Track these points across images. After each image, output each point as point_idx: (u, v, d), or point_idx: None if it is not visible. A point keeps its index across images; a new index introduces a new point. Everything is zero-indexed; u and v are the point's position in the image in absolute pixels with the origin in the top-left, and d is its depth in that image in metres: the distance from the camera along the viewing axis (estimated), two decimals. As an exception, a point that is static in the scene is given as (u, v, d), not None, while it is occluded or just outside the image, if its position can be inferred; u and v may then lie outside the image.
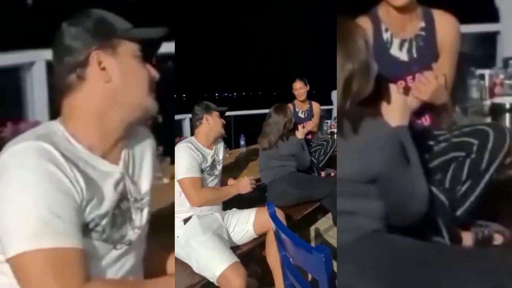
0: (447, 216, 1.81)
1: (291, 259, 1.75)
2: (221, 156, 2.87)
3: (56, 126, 1.06)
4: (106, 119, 1.08)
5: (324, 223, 4.22)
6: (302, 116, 4.97)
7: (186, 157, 2.47)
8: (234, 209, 2.80)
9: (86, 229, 1.00)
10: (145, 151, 1.28)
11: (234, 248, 2.57)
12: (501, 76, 2.90)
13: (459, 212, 1.84)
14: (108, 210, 1.07)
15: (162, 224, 1.58)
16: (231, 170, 4.11)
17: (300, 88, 4.83)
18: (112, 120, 1.09)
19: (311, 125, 4.77)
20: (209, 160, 2.68)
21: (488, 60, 3.63)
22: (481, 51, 3.84)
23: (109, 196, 1.08)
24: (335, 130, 6.55)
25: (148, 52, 1.15)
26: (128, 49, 1.10)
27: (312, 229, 4.17)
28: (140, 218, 1.21)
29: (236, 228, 2.64)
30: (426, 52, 2.05)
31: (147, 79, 1.14)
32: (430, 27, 2.04)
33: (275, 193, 3.47)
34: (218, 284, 2.18)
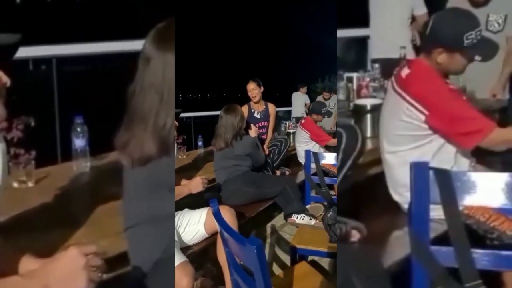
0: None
1: (234, 255, 1.80)
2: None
3: None
4: None
5: (280, 219, 4.34)
6: (258, 116, 5.06)
7: None
8: (185, 210, 2.80)
9: None
10: None
11: (186, 248, 2.58)
12: (367, 79, 3.09)
13: None
14: None
15: (30, 226, 1.70)
16: (188, 171, 4.14)
17: (253, 89, 4.90)
18: None
19: (270, 137, 5.04)
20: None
21: (360, 64, 3.89)
22: (354, 55, 4.03)
23: None
24: (292, 131, 6.74)
25: (1, 58, 1.13)
26: None
27: (268, 226, 4.31)
28: None
29: (187, 228, 2.64)
30: None
31: None
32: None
33: (229, 192, 3.55)
34: None
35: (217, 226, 2.57)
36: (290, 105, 9.76)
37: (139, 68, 1.53)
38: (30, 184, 2.17)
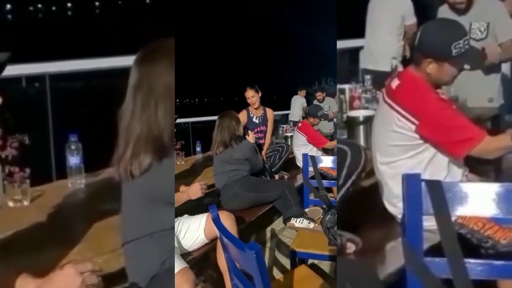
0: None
1: (234, 260, 1.80)
2: None
3: None
4: None
5: (279, 223, 4.33)
6: (257, 121, 5.11)
7: None
8: (185, 216, 2.80)
9: None
10: None
11: (186, 254, 2.58)
12: (359, 90, 3.10)
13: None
14: None
15: (26, 245, 1.70)
16: (186, 177, 4.16)
17: (252, 96, 4.96)
18: None
19: (268, 141, 5.08)
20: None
21: (352, 75, 3.91)
22: (346, 66, 4.10)
23: None
24: (289, 134, 6.76)
25: None
26: None
27: (268, 230, 4.31)
28: None
29: (187, 234, 2.65)
30: None
31: None
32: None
33: (228, 197, 3.57)
34: None
35: (216, 232, 2.60)
36: (287, 108, 9.83)
37: (129, 84, 1.58)
38: (25, 203, 2.15)
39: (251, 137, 4.05)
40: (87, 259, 1.46)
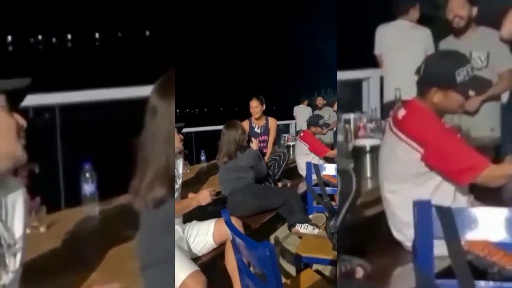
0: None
1: (245, 261, 1.91)
2: (180, 171, 2.92)
3: None
4: None
5: (283, 231, 4.42)
6: (258, 131, 5.24)
7: None
8: (194, 221, 2.87)
9: None
10: (17, 199, 1.31)
11: (195, 259, 2.65)
12: (364, 120, 3.17)
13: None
14: None
15: (44, 272, 1.73)
16: (192, 185, 4.25)
17: (255, 107, 5.10)
18: None
19: (270, 150, 5.19)
20: (181, 167, 2.77)
21: (357, 105, 3.99)
22: (350, 97, 4.18)
23: None
24: (291, 143, 6.86)
25: (14, 102, 1.19)
26: None
27: (272, 237, 4.36)
28: (14, 262, 1.26)
29: (196, 239, 2.72)
30: None
31: (15, 128, 1.16)
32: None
33: (233, 204, 3.64)
34: None
35: (224, 237, 2.65)
36: (288, 118, 10.00)
37: (147, 119, 1.63)
38: (42, 230, 2.19)
39: (254, 144, 4.15)
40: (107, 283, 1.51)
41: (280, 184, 4.81)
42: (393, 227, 2.04)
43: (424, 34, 3.29)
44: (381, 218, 2.10)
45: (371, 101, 4.14)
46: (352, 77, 4.29)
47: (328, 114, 8.45)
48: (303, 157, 5.41)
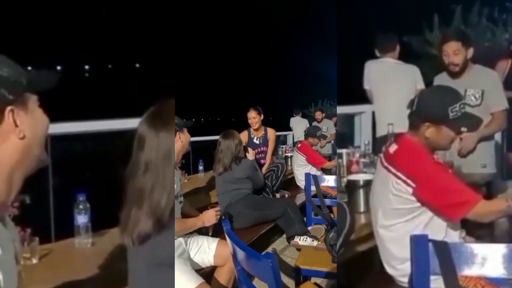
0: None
1: (245, 272, 1.88)
2: (179, 188, 2.82)
3: None
4: (15, 175, 1.06)
5: (280, 243, 4.44)
6: (257, 142, 5.22)
7: None
8: (195, 234, 2.83)
9: None
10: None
11: (198, 269, 2.63)
12: (357, 155, 3.19)
13: None
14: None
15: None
16: (192, 194, 4.20)
17: (253, 117, 5.09)
18: (19, 175, 1.07)
19: (268, 161, 5.18)
20: (179, 183, 2.71)
21: (349, 140, 4.08)
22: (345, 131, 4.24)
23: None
24: (290, 154, 6.90)
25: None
26: (34, 101, 1.10)
27: (269, 250, 4.34)
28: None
29: (197, 256, 2.68)
30: None
31: (47, 129, 1.14)
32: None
33: (232, 216, 3.60)
34: None
35: (225, 259, 2.64)
36: (285, 129, 10.08)
37: (134, 148, 1.63)
38: (34, 261, 2.17)
39: (250, 155, 4.09)
40: None
41: (278, 195, 4.81)
42: (385, 262, 2.02)
43: (412, 70, 3.38)
44: (374, 253, 2.08)
45: (363, 135, 4.18)
46: (345, 111, 4.34)
47: (327, 126, 8.60)
48: (301, 168, 5.45)
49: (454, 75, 2.94)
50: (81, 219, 2.34)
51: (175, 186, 2.60)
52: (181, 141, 2.71)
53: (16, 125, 1.03)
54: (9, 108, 1.01)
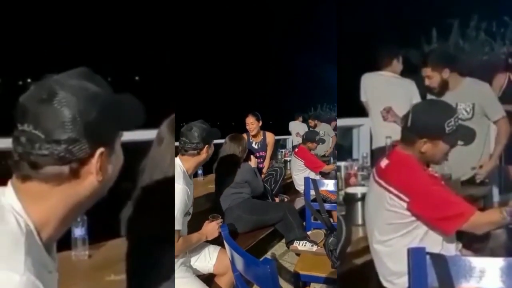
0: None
1: (243, 278, 1.85)
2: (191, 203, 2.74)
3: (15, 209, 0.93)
4: (76, 213, 1.04)
5: (280, 248, 4.43)
6: (256, 147, 5.24)
7: (179, 206, 2.35)
8: None
9: None
10: None
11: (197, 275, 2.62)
12: (355, 168, 3.17)
13: None
14: None
15: None
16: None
17: (252, 123, 5.11)
18: (81, 212, 1.05)
19: (267, 165, 5.20)
20: (191, 199, 2.58)
21: (348, 153, 4.10)
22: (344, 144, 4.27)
23: None
24: (289, 158, 6.84)
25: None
26: (120, 139, 1.07)
27: (268, 255, 4.35)
28: None
29: (197, 263, 2.66)
30: None
31: (120, 169, 1.10)
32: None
33: (231, 220, 3.59)
34: None
35: (225, 269, 2.63)
36: (284, 133, 9.98)
37: (153, 146, 1.75)
38: None
39: (253, 162, 4.12)
40: None
41: (277, 199, 4.79)
42: (381, 276, 2.01)
43: (408, 83, 3.38)
44: (371, 267, 2.07)
45: (361, 148, 4.19)
46: (344, 124, 4.35)
47: (324, 130, 8.60)
48: (299, 172, 5.44)
49: (439, 94, 2.97)
50: (78, 231, 2.32)
51: (187, 201, 2.49)
52: (208, 155, 2.66)
53: (100, 169, 0.98)
54: (100, 150, 0.97)
